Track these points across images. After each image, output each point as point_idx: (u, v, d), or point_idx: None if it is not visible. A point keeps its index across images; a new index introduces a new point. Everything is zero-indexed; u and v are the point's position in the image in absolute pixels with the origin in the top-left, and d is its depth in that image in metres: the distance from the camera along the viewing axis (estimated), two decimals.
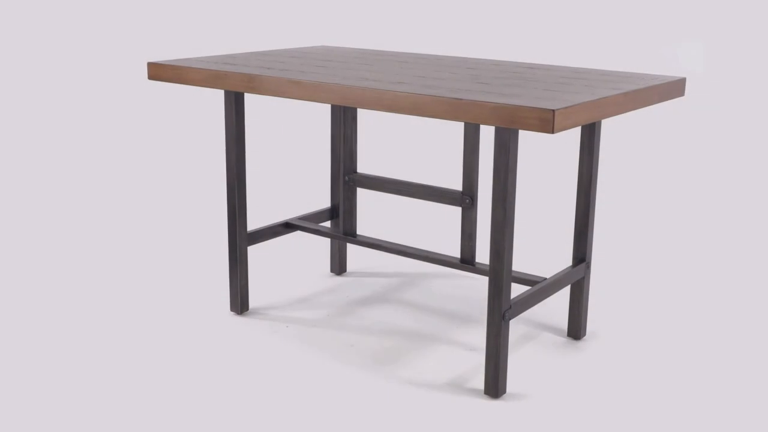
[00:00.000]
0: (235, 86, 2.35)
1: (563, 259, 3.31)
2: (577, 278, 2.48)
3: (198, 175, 4.50)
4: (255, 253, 3.33)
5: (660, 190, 4.28)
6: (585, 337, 2.60)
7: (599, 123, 2.03)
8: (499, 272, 2.13)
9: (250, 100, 6.14)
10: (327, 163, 4.76)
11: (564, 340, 2.58)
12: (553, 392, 2.26)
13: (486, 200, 4.07)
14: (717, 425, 2.10)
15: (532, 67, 2.51)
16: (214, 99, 6.21)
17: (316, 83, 2.17)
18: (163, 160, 4.79)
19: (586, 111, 1.94)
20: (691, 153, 4.96)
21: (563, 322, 2.71)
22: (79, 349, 2.48)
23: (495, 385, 2.21)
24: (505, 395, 2.24)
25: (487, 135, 5.39)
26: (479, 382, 2.31)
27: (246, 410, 2.16)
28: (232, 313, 2.75)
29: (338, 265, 3.10)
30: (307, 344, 2.53)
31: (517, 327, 2.67)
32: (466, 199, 2.46)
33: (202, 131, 5.49)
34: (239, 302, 2.72)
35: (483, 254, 3.32)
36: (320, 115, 5.96)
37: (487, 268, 2.48)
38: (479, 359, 2.44)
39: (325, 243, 3.44)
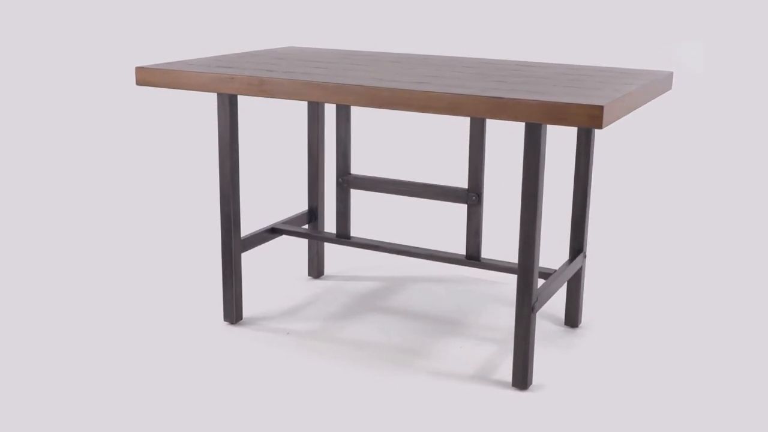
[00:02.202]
0: (243, 90, 2.28)
1: (553, 251, 3.39)
2: (577, 268, 2.56)
3: (176, 180, 4.35)
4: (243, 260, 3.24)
5: (652, 184, 4.45)
6: (581, 325, 2.69)
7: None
8: (529, 266, 2.17)
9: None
10: (295, 165, 4.68)
11: (562, 328, 2.66)
12: (574, 382, 2.32)
13: (488, 197, 4.14)
14: (712, 409, 2.23)
15: (528, 65, 2.57)
16: (190, 103, 5.96)
17: (340, 85, 2.14)
18: (142, 165, 4.58)
19: (622, 106, 2.01)
20: (682, 147, 5.09)
21: (556, 311, 2.79)
22: (68, 364, 2.34)
23: (524, 377, 2.25)
24: (531, 386, 2.29)
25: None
26: (500, 375, 2.34)
27: (271, 424, 2.11)
28: (226, 323, 2.67)
29: (316, 269, 3.06)
30: (313, 351, 2.49)
31: (511, 312, 2.73)
32: (472, 196, 2.48)
33: (181, 135, 5.30)
34: (234, 312, 2.65)
35: (486, 251, 3.40)
36: (288, 115, 5.83)
37: (493, 263, 2.51)
38: (489, 353, 2.48)
39: (300, 247, 3.39)
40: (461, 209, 3.96)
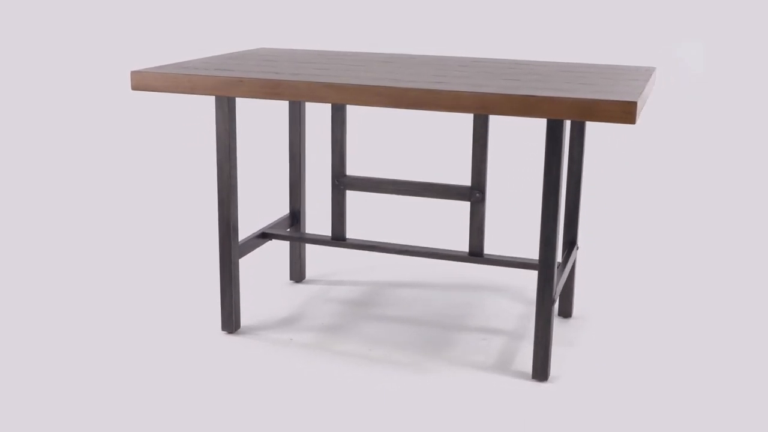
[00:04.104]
0: (254, 93, 2.22)
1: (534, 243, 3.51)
2: (574, 260, 2.63)
3: (159, 185, 4.21)
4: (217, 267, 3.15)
5: (643, 180, 4.51)
6: (574, 315, 2.76)
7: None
8: (550, 261, 2.22)
9: (199, 104, 5.69)
10: (271, 167, 4.55)
11: (556, 319, 2.73)
12: (587, 372, 2.39)
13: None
14: (714, 398, 2.36)
15: (520, 63, 2.62)
16: (171, 107, 5.69)
17: (362, 87, 2.12)
18: (126, 169, 4.36)
19: (643, 101, 2.08)
20: (676, 146, 5.15)
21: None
22: (62, 375, 2.23)
23: (544, 369, 2.30)
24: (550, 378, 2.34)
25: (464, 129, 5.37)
26: (516, 369, 2.38)
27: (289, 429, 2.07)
28: (224, 332, 2.60)
29: (298, 273, 3.02)
30: (320, 355, 2.46)
31: (515, 307, 2.78)
32: (476, 193, 2.51)
33: (167, 139, 5.12)
34: (233, 321, 2.58)
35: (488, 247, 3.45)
36: (264, 117, 5.66)
37: (497, 259, 2.55)
38: (498, 348, 2.52)
39: (277, 251, 3.32)
40: (455, 209, 3.97)
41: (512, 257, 2.53)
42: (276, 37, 5.80)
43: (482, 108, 2.04)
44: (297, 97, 2.19)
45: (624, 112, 1.94)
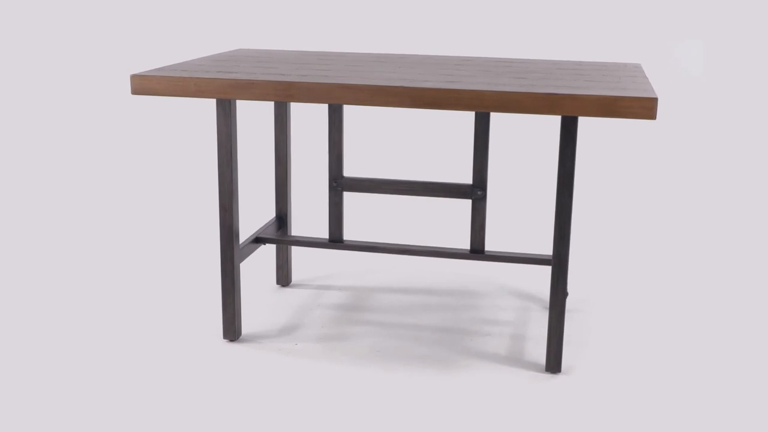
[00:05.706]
0: (265, 96, 2.18)
1: (531, 237, 3.56)
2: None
3: (155, 187, 4.11)
4: (214, 272, 3.07)
5: (638, 179, 4.59)
6: (567, 308, 2.82)
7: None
8: (564, 255, 2.26)
9: (191, 106, 5.47)
10: (254, 170, 4.45)
11: (546, 311, 2.78)
12: (596, 363, 2.45)
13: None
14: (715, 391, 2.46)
15: (514, 61, 2.66)
16: (163, 111, 5.46)
17: (379, 87, 2.11)
18: (121, 173, 4.19)
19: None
20: (672, 146, 5.18)
21: (541, 294, 2.91)
22: (57, 383, 2.15)
23: (558, 361, 2.34)
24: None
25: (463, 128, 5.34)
26: (526, 362, 2.42)
27: None
28: (226, 340, 2.55)
29: (285, 277, 2.99)
30: (324, 359, 2.44)
31: (512, 302, 2.82)
32: (477, 191, 2.54)
33: (160, 142, 4.97)
34: (234, 328, 2.53)
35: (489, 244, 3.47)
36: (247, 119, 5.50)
37: (500, 255, 2.57)
38: (505, 342, 2.55)
39: (264, 254, 3.27)
40: (451, 209, 3.97)
41: (519, 253, 2.56)
42: (231, 39, 5.69)
43: (504, 106, 2.06)
44: (311, 100, 2.16)
45: (645, 109, 2.00)
